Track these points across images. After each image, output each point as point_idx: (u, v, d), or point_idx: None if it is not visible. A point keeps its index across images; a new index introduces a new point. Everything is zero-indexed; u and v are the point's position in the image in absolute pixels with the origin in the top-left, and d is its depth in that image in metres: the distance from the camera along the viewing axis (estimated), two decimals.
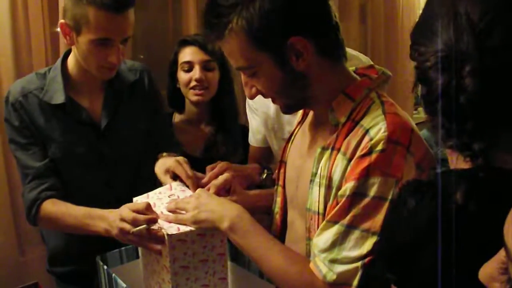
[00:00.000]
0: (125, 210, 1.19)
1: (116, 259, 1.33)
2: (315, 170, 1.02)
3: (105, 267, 1.26)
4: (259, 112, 1.62)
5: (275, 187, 1.25)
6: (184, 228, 1.09)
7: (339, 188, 0.97)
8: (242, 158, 1.81)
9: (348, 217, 0.93)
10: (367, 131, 0.95)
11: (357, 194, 0.93)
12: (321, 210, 1.00)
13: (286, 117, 1.50)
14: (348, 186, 0.93)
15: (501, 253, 0.53)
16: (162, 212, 1.17)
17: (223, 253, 1.13)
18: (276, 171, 1.26)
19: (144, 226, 1.13)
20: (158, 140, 1.58)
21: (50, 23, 1.99)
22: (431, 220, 0.64)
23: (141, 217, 1.15)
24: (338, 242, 0.94)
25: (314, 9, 0.98)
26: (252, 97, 1.09)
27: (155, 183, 1.37)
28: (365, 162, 0.92)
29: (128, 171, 1.54)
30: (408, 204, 0.69)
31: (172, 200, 1.19)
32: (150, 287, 1.26)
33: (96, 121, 1.50)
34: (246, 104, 1.70)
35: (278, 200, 1.23)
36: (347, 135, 0.98)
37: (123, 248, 1.35)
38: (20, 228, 2.00)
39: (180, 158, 1.34)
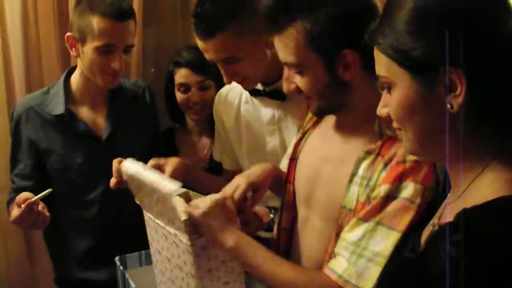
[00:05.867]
0: None
1: (135, 261, 1.37)
2: (356, 170, 1.07)
3: (121, 267, 1.30)
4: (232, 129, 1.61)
5: (286, 185, 1.26)
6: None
7: (372, 188, 1.02)
8: None
9: (378, 216, 0.99)
10: None
11: (390, 196, 0.99)
12: (355, 208, 1.05)
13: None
14: (382, 189, 1.00)
15: None
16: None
17: None
18: (287, 168, 1.27)
19: None
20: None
21: (60, 39, 2.04)
22: None
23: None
24: (366, 236, 0.99)
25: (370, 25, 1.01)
26: (289, 92, 1.12)
27: None
28: (400, 169, 0.99)
29: None
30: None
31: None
32: None
33: (96, 133, 1.57)
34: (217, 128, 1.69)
35: (288, 198, 1.25)
36: (391, 145, 1.03)
37: (142, 251, 1.38)
38: (31, 238, 2.03)
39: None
